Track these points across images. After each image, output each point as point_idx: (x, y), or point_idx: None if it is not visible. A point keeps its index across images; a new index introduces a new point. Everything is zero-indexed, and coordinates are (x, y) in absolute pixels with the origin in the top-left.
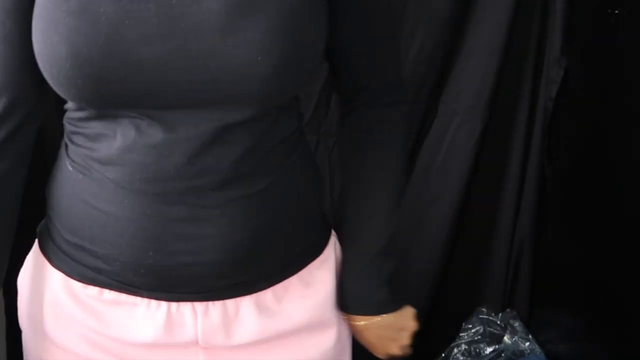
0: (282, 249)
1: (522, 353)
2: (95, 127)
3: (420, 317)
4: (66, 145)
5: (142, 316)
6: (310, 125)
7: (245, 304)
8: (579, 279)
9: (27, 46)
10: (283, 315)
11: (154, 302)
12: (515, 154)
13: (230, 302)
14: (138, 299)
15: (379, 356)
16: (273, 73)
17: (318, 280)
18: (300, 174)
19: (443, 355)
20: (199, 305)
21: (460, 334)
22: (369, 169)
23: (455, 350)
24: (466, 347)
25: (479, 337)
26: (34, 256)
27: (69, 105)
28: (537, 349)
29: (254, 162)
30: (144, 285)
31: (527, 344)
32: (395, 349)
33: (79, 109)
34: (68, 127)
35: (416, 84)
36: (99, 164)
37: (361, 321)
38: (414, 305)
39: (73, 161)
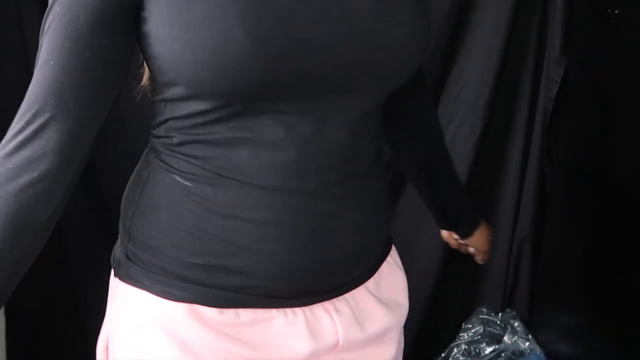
0: (383, 238)
1: (522, 353)
2: (225, 130)
3: (420, 317)
4: (163, 161)
5: (283, 329)
6: None
7: (360, 293)
8: (579, 279)
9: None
10: (389, 302)
11: (289, 310)
12: (515, 154)
13: (348, 296)
14: (274, 312)
15: (483, 259)
16: (417, 52)
17: (393, 266)
18: (383, 172)
19: (443, 355)
20: (328, 305)
21: (460, 334)
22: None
23: (455, 350)
24: (466, 347)
25: (479, 337)
26: (128, 300)
27: (176, 112)
28: (537, 349)
29: (373, 152)
30: (288, 293)
31: (527, 344)
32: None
33: (206, 111)
34: (175, 137)
35: None
36: (236, 170)
37: (478, 231)
38: (414, 305)
39: (193, 175)
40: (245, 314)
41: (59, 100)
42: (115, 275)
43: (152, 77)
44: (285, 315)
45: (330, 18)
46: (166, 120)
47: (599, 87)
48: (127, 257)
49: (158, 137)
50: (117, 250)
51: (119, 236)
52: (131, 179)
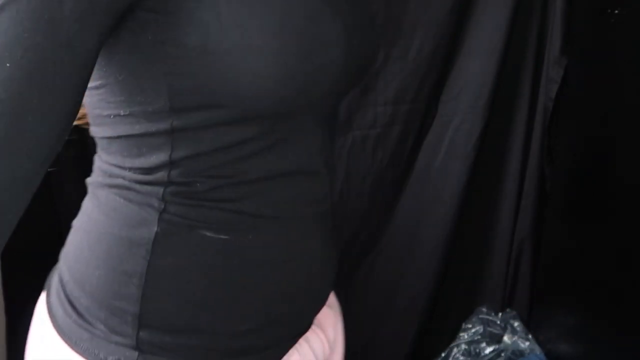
0: None
1: (522, 353)
2: (265, 163)
3: (420, 317)
4: (180, 216)
5: None
6: None
7: (325, 312)
8: (578, 279)
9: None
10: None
11: (297, 344)
12: (515, 154)
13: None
14: (291, 349)
15: None
16: None
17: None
18: None
19: (443, 355)
20: (314, 327)
21: (460, 334)
22: None
23: (455, 350)
24: (466, 347)
25: (479, 337)
26: None
27: (198, 147)
28: (537, 348)
29: None
30: (306, 325)
31: (527, 343)
32: None
33: (249, 140)
34: (200, 183)
35: (416, 84)
36: (276, 207)
37: None
38: (414, 305)
39: (228, 224)
40: None
41: (7, 126)
42: None
43: (138, 102)
44: (297, 349)
45: (356, 28)
46: (176, 161)
47: (599, 87)
48: (141, 350)
49: (160, 184)
50: (109, 349)
51: (99, 331)
52: (103, 249)
